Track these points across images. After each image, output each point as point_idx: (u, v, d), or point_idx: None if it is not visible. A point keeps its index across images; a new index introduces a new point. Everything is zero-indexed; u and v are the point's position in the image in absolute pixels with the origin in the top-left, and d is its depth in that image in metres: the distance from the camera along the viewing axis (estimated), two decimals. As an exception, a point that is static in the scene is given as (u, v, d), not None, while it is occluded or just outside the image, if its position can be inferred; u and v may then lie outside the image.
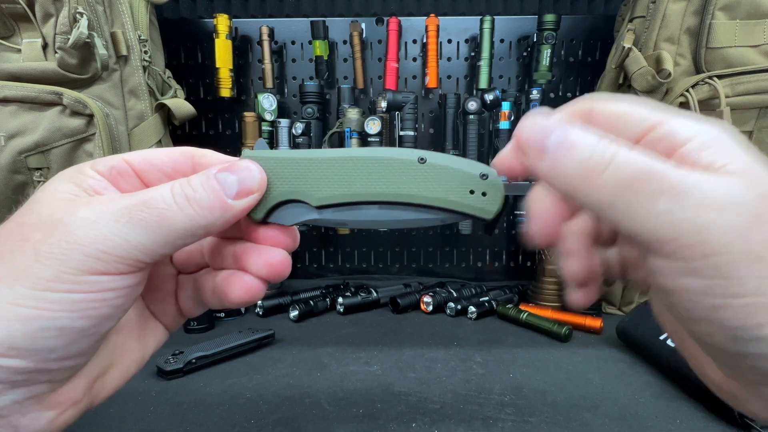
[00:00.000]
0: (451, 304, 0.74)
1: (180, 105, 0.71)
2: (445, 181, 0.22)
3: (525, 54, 0.87)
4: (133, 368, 0.25)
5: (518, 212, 0.86)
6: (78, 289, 0.18)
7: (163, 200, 0.20)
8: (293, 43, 0.88)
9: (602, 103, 0.20)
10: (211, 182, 0.21)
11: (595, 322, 0.66)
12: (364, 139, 0.80)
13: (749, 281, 0.15)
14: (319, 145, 0.82)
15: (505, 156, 0.22)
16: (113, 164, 0.22)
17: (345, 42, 0.87)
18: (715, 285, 0.16)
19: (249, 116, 0.81)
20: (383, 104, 0.79)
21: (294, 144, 0.81)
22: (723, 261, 0.15)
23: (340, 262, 0.96)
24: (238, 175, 0.21)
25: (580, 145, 0.18)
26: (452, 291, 0.80)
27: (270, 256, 0.23)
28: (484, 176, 0.21)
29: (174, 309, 0.27)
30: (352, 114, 0.80)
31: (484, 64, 0.81)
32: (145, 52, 0.66)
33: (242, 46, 0.87)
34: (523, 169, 0.22)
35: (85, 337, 0.19)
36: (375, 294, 0.78)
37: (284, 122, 0.81)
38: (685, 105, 0.59)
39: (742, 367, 0.18)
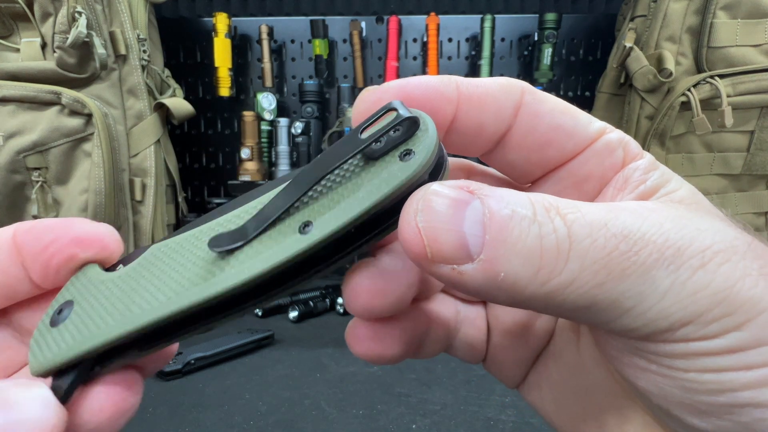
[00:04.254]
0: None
1: (179, 104, 0.71)
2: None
3: (526, 53, 0.86)
4: None
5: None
6: None
7: None
8: (293, 41, 0.88)
9: (532, 96, 0.16)
10: None
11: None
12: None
13: None
14: (318, 144, 0.82)
15: (376, 299, 0.15)
16: None
17: (345, 41, 0.87)
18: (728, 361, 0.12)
19: (248, 115, 0.81)
20: (383, 103, 0.79)
21: (293, 143, 0.80)
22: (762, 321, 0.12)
23: (340, 262, 0.96)
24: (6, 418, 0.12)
25: (518, 225, 0.12)
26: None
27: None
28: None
29: None
30: (352, 113, 0.80)
31: (484, 63, 0.80)
32: (144, 51, 0.66)
33: (241, 45, 0.87)
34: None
35: None
36: (375, 294, 0.77)
37: (283, 121, 0.81)
38: (686, 104, 0.59)
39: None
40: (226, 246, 0.14)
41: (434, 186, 0.13)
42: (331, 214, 0.13)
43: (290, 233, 0.14)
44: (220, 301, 0.14)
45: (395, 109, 0.14)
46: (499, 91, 0.15)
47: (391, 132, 0.14)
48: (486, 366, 0.21)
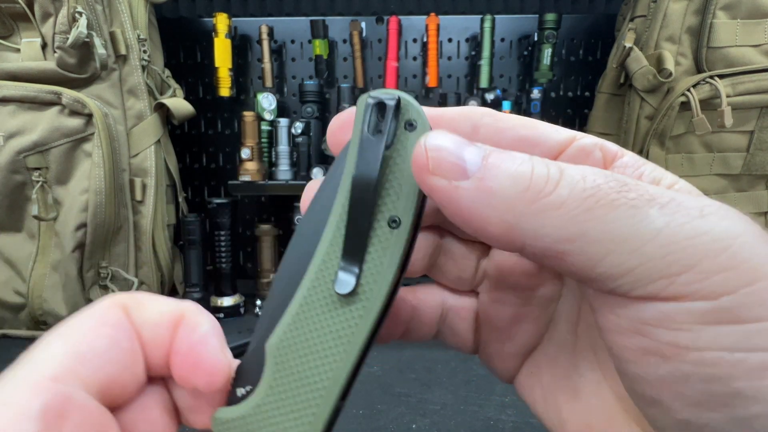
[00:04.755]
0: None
1: (179, 104, 0.71)
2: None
3: (526, 53, 0.86)
4: None
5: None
6: None
7: None
8: (293, 42, 0.88)
9: (492, 117, 0.16)
10: None
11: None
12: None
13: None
14: (318, 144, 0.82)
15: None
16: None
17: (345, 41, 0.87)
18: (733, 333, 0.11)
19: (248, 115, 0.80)
20: (383, 104, 0.79)
21: (293, 143, 0.80)
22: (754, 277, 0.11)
23: (340, 262, 0.96)
24: None
25: (513, 157, 0.13)
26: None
27: None
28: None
29: None
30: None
31: (484, 63, 0.80)
32: (144, 52, 0.66)
33: (241, 45, 0.87)
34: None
35: None
36: (375, 294, 0.77)
37: (283, 121, 0.81)
38: (686, 105, 0.59)
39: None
40: (353, 280, 0.15)
41: (438, 131, 0.14)
42: (403, 199, 0.15)
43: (387, 234, 0.15)
44: (379, 317, 0.15)
45: (381, 101, 0.15)
46: (457, 113, 0.17)
47: (391, 119, 0.15)
48: (480, 357, 0.22)
